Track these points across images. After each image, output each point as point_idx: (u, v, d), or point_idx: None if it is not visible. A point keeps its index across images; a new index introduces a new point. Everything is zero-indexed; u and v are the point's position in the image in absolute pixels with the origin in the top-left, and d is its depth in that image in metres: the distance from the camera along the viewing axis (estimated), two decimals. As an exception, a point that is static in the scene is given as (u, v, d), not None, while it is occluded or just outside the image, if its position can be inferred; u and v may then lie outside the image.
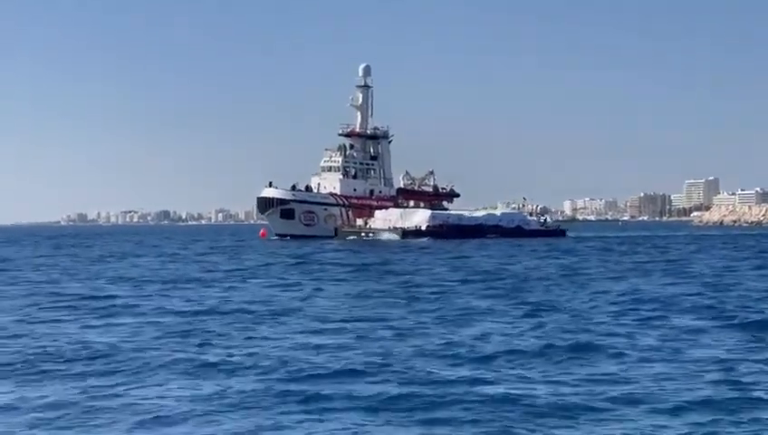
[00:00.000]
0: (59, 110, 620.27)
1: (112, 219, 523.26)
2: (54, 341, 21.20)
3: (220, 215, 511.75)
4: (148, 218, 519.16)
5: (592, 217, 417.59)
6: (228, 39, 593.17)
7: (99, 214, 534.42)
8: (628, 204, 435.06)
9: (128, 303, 30.63)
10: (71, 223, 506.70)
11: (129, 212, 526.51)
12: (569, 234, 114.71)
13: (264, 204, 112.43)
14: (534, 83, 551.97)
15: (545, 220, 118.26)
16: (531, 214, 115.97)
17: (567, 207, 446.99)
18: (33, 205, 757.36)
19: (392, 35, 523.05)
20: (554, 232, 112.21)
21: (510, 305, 28.55)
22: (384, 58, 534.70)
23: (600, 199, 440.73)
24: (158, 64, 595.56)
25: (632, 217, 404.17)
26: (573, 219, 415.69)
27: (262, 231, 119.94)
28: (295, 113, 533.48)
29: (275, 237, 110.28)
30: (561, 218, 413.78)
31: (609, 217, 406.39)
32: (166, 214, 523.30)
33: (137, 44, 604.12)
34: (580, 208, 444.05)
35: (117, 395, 15.02)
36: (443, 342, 20.55)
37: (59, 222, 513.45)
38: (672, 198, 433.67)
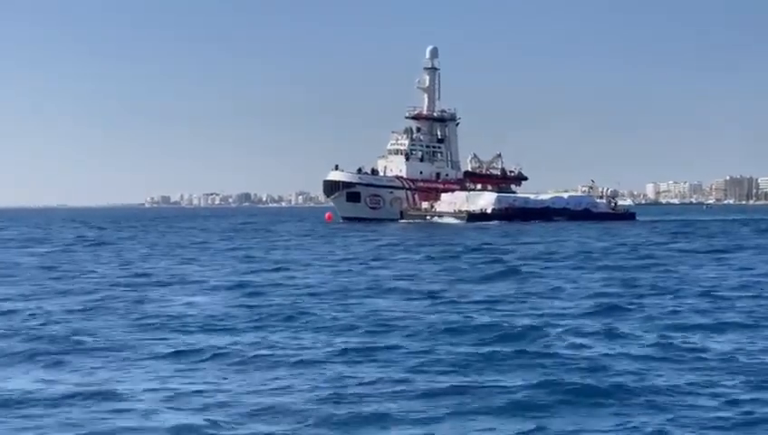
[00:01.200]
0: (142, 95, 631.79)
1: (194, 201, 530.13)
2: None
3: (300, 197, 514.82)
4: (230, 200, 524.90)
5: (676, 201, 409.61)
6: (297, 22, 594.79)
7: (182, 196, 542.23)
8: (714, 187, 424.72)
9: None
10: (154, 205, 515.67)
11: (211, 194, 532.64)
12: (639, 217, 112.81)
13: (330, 187, 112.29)
14: (614, 63, 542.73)
15: (615, 203, 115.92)
16: (601, 197, 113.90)
17: (650, 191, 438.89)
18: (119, 188, 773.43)
19: (460, 16, 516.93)
20: (623, 215, 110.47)
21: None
22: (452, 39, 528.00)
23: (685, 182, 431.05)
24: (234, 53, 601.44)
25: (717, 200, 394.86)
26: (656, 202, 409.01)
27: (327, 214, 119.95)
28: (362, 96, 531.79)
29: (341, 221, 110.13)
30: (642, 202, 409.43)
31: (694, 201, 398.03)
32: (247, 196, 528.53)
33: (214, 34, 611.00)
34: (664, 191, 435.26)
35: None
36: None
37: (143, 204, 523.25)
38: (759, 181, 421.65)
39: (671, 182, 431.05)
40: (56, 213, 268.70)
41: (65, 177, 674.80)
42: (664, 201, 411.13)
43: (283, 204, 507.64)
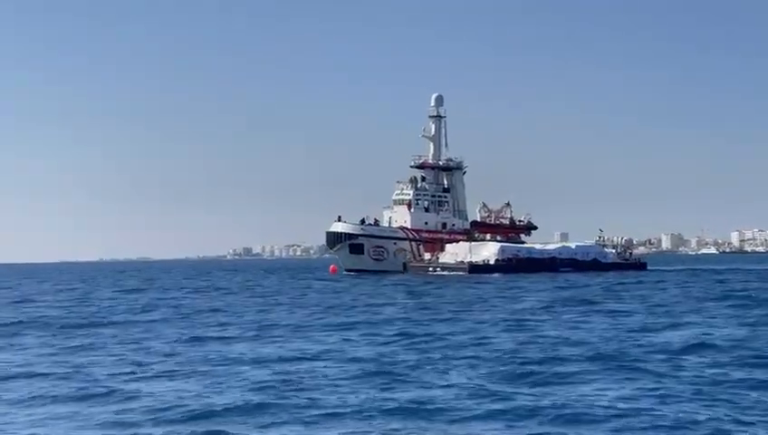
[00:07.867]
0: (227, 145, 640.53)
1: (276, 253, 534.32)
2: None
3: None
4: (311, 252, 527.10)
5: (762, 249, 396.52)
6: (306, 71, 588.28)
7: (263, 248, 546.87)
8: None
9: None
10: (236, 256, 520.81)
11: (293, 246, 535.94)
12: (651, 267, 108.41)
13: (333, 239, 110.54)
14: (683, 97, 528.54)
15: (630, 253, 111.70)
16: (614, 246, 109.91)
17: (734, 239, 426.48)
18: (203, 240, 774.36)
19: (465, 64, 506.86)
20: (633, 265, 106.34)
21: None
22: (458, 87, 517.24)
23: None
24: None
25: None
26: (741, 251, 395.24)
27: (332, 267, 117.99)
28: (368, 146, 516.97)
29: (345, 273, 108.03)
30: (727, 250, 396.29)
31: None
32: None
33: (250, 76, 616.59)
34: (749, 239, 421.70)
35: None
36: None
37: (225, 256, 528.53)
38: None
39: (756, 230, 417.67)
40: (150, 266, 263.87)
41: (140, 231, 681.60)
42: (749, 249, 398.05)
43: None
